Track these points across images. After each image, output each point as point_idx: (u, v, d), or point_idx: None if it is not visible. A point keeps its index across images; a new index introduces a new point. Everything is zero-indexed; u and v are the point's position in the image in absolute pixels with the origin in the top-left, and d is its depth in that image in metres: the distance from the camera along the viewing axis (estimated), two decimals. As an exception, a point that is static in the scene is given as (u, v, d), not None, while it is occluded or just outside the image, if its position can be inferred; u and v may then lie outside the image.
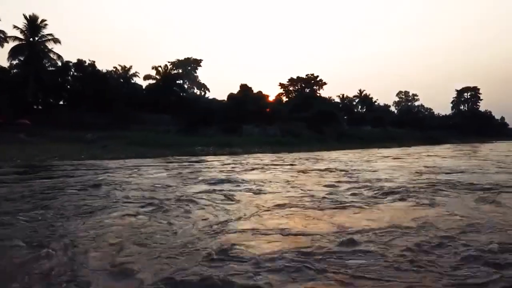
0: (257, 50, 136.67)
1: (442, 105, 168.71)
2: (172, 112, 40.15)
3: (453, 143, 49.74)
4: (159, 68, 42.70)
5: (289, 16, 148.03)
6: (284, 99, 59.02)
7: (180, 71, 57.78)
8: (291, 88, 62.00)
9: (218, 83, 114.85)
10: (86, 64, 35.24)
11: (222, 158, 19.46)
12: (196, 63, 63.75)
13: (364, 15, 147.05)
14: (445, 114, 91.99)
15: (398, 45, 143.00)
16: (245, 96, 42.88)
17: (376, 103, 77.58)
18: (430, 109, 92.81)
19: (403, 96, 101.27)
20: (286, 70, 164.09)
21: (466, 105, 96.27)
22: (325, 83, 62.14)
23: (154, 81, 42.81)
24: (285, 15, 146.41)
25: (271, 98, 51.27)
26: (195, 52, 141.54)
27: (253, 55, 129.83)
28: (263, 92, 48.10)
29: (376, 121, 58.91)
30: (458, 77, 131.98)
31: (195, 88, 64.69)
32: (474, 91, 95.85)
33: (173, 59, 59.98)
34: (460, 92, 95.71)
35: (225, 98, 46.44)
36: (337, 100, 69.41)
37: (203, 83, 64.67)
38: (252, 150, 25.64)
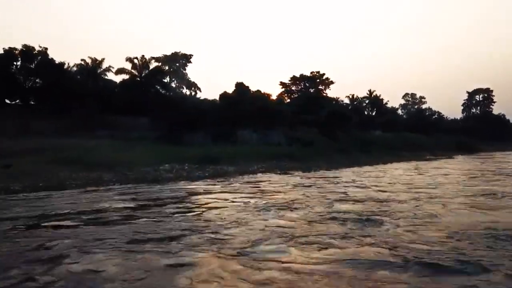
0: (255, 50, 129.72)
1: (445, 108, 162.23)
2: (151, 114, 32.92)
3: (486, 150, 42.26)
4: (135, 60, 34.94)
5: (287, 14, 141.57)
6: (286, 100, 51.61)
7: (167, 68, 50.05)
8: (293, 88, 54.65)
9: (213, 84, 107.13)
10: (36, 51, 27.15)
11: (199, 186, 11.73)
12: (186, 58, 55.76)
13: (365, 15, 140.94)
14: (454, 118, 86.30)
15: (398, 46, 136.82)
16: (241, 95, 35.61)
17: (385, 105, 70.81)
18: (439, 112, 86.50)
19: (410, 99, 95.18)
20: (286, 71, 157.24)
21: (478, 108, 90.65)
22: (332, 82, 54.96)
23: (128, 76, 35.05)
24: (284, 14, 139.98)
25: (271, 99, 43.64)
26: (188, 50, 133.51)
27: (250, 55, 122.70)
28: (262, 92, 40.74)
29: (387, 125, 51.80)
30: (464, 78, 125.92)
31: (185, 88, 56.79)
32: (487, 93, 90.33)
33: (159, 55, 52.20)
34: (471, 94, 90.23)
35: (218, 99, 38.99)
36: (346, 101, 62.18)
37: (194, 82, 56.69)
38: (250, 168, 17.62)
